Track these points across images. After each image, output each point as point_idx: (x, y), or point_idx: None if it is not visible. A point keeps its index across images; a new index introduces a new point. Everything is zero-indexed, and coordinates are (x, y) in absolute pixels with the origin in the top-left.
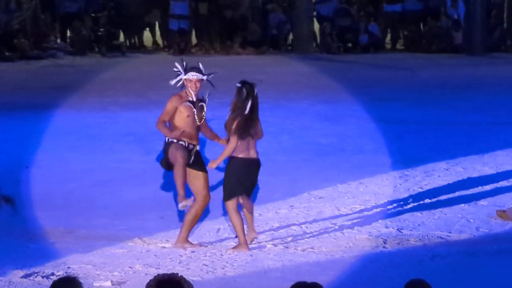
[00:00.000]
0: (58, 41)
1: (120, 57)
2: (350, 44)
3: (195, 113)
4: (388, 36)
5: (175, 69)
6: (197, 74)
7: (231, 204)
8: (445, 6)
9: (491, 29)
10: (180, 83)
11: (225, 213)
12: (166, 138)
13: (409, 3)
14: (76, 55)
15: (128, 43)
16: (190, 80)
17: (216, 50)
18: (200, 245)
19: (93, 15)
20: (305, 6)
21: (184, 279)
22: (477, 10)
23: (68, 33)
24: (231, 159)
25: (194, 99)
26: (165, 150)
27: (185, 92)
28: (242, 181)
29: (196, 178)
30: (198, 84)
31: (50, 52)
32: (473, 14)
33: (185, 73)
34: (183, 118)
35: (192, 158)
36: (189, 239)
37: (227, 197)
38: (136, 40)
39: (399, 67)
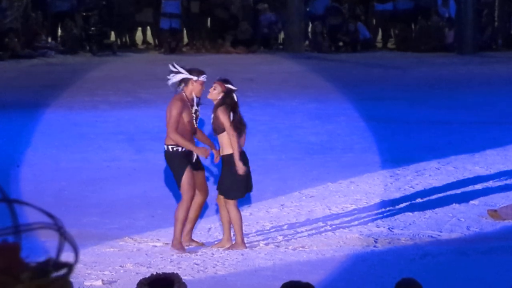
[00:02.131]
0: (49, 40)
1: (111, 56)
2: (341, 43)
3: (194, 118)
4: (379, 35)
5: (174, 69)
6: (205, 76)
7: (233, 201)
8: (436, 5)
9: (482, 28)
10: (181, 83)
11: (216, 212)
12: (169, 147)
13: (400, 2)
14: (67, 54)
15: (119, 42)
16: (201, 83)
17: (207, 48)
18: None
19: (84, 14)
20: (296, 5)
21: (179, 279)
22: (468, 9)
23: (59, 32)
24: (230, 157)
25: (195, 103)
26: (171, 165)
27: (185, 94)
28: (243, 178)
29: (196, 176)
30: (203, 87)
31: (41, 51)
32: (464, 13)
33: (191, 74)
34: (184, 124)
35: (193, 162)
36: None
37: (232, 196)
38: (127, 39)
39: (390, 66)
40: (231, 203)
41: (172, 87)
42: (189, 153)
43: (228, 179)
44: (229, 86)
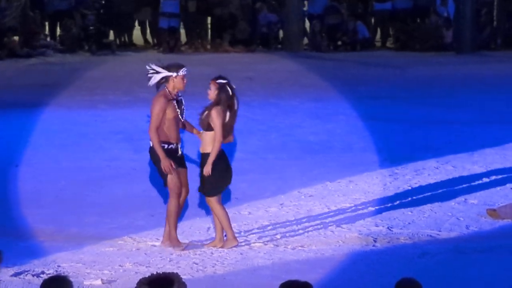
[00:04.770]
0: (48, 39)
1: (110, 55)
2: (340, 42)
3: (179, 112)
4: (378, 34)
5: (152, 70)
6: (186, 69)
7: (214, 198)
8: (435, 5)
9: (481, 27)
10: (162, 81)
11: None
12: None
13: (399, 1)
14: (66, 53)
15: (118, 41)
16: (181, 77)
17: (206, 48)
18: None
19: (83, 13)
20: (295, 4)
21: (179, 278)
22: (467, 8)
23: (58, 31)
24: (207, 155)
25: (178, 97)
26: (155, 160)
27: (168, 90)
28: (224, 174)
29: (179, 173)
30: (186, 80)
31: (40, 50)
32: (463, 12)
33: (170, 71)
34: (169, 119)
35: (178, 159)
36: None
37: (212, 192)
38: (126, 38)
39: (389, 65)
40: (213, 201)
41: (153, 87)
42: (174, 150)
43: (210, 178)
44: (221, 81)
